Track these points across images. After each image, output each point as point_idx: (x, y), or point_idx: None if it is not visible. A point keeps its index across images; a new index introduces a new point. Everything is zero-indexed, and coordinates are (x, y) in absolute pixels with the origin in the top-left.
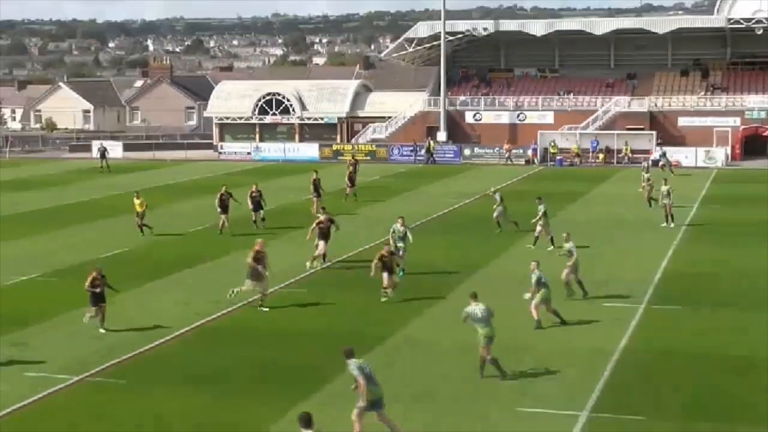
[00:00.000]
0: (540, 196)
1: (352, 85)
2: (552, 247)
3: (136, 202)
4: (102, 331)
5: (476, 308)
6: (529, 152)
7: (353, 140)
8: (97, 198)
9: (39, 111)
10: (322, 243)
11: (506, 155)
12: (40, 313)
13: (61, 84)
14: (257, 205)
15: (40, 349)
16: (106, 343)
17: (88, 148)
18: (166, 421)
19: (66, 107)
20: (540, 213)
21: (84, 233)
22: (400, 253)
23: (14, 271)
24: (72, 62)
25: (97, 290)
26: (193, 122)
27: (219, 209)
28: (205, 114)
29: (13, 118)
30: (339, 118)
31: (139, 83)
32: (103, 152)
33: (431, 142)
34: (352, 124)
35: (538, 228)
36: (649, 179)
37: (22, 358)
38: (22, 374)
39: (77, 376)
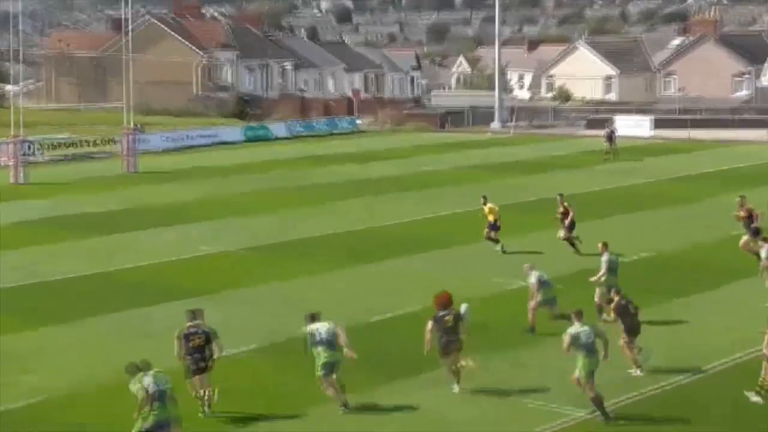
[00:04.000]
0: None
1: None
2: None
3: (486, 208)
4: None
5: (582, 330)
6: None
7: None
8: (614, 188)
9: (551, 77)
10: None
11: None
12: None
13: (578, 44)
14: None
15: (536, 369)
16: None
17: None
18: None
19: (583, 72)
20: None
21: (603, 229)
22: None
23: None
24: (593, 18)
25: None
26: (746, 92)
27: None
28: (764, 83)
29: (521, 86)
30: None
31: (675, 42)
32: (610, 135)
33: None
34: None
35: None
36: None
37: (517, 382)
38: (522, 402)
39: (584, 411)
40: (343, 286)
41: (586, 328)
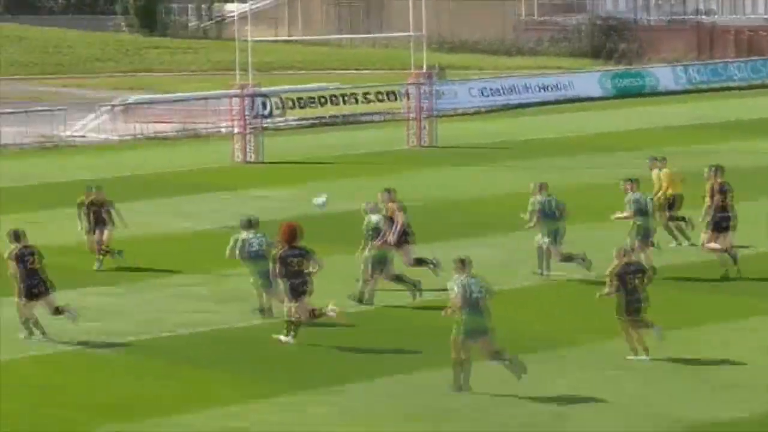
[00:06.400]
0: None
1: None
2: None
3: (661, 173)
4: None
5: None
6: None
7: None
8: None
9: None
10: None
11: None
12: None
13: None
14: None
15: None
16: None
17: None
18: None
19: None
20: None
21: None
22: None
23: None
24: None
25: None
26: None
27: None
28: None
29: None
30: None
31: None
32: None
33: None
34: None
35: None
36: None
37: None
38: None
39: None
40: None
41: (474, 280)
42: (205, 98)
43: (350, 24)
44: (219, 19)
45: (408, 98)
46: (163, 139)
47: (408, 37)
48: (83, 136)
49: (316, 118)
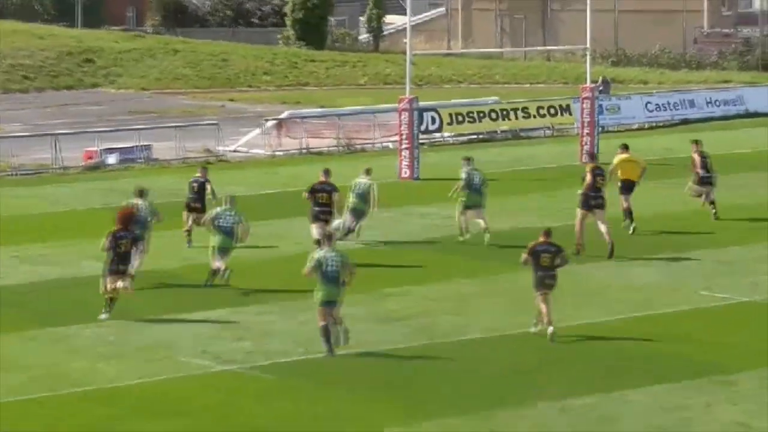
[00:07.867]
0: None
1: None
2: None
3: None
4: None
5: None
6: None
7: None
8: None
9: None
10: None
11: None
12: None
13: None
14: None
15: None
16: None
17: None
18: None
19: None
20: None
21: None
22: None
23: None
24: None
25: None
26: None
27: None
28: None
29: None
30: None
31: None
32: None
33: None
34: None
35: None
36: None
37: None
38: None
39: None
40: None
41: (333, 254)
42: (374, 112)
43: (512, 37)
44: (392, 31)
45: (583, 112)
46: (328, 154)
47: (573, 50)
48: (246, 151)
49: (475, 133)
